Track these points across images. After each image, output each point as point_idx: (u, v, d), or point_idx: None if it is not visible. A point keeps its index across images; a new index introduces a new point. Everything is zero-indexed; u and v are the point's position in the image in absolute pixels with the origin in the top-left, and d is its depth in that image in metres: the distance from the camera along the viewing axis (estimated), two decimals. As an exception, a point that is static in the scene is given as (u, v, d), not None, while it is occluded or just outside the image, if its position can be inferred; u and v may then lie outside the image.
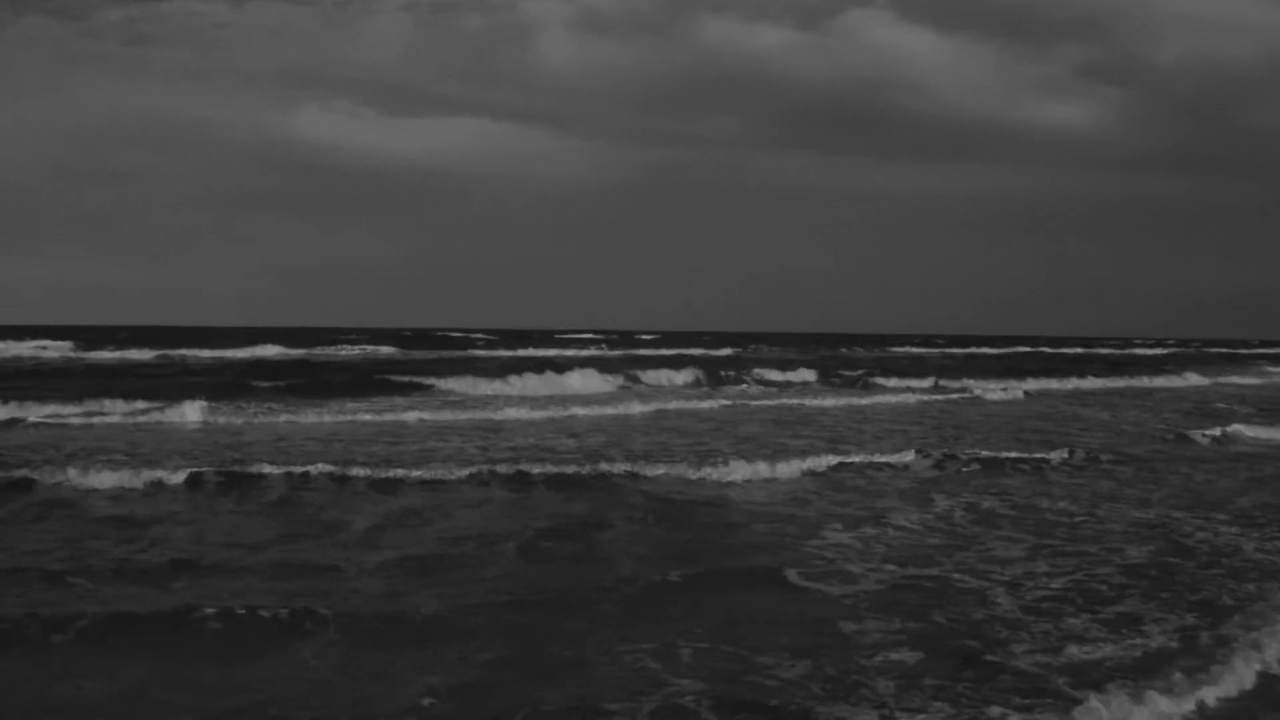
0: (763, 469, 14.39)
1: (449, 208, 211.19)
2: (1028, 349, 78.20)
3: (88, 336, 56.53)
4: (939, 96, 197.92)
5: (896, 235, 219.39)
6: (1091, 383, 39.04)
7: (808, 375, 38.03)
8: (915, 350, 71.60)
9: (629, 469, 14.15)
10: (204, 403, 21.16)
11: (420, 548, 9.79)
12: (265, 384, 28.19)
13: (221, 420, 20.22)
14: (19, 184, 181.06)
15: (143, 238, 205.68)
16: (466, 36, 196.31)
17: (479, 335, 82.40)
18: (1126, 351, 75.43)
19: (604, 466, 14.25)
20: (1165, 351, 76.48)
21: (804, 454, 15.76)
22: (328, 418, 20.83)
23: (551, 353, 53.23)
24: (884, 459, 15.63)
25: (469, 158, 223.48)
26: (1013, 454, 16.43)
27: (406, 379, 30.04)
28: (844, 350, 68.75)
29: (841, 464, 15.06)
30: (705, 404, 26.11)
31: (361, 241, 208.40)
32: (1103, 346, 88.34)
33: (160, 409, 20.91)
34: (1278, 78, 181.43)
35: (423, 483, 13.10)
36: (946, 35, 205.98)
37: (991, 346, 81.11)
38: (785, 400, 27.86)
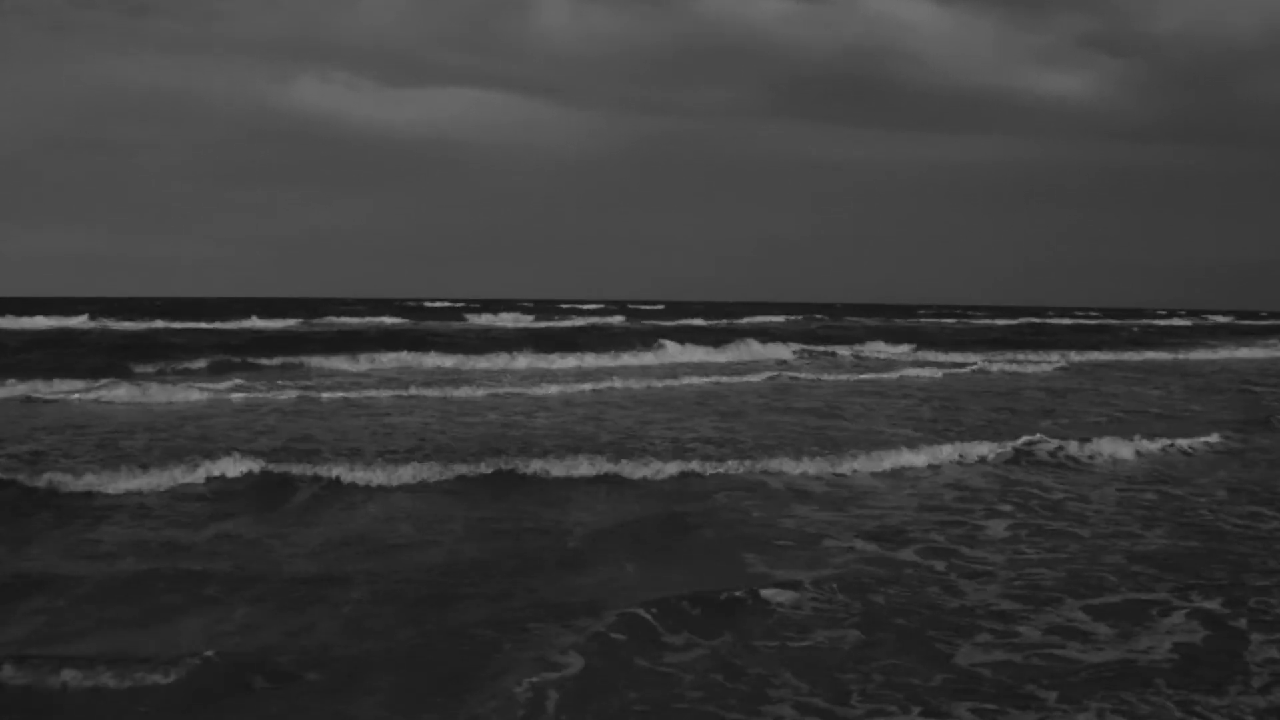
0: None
1: (447, 177, 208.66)
2: (1035, 319, 75.98)
3: (75, 310, 54.19)
4: (939, 67, 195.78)
5: (895, 206, 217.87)
6: (1146, 356, 36.55)
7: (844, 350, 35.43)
8: (940, 320, 69.38)
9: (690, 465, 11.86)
10: (179, 380, 19.79)
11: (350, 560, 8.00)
12: (257, 359, 26.03)
13: (194, 397, 18.14)
14: (13, 155, 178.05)
15: (139, 209, 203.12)
16: (464, 5, 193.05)
17: (478, 305, 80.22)
18: (1147, 323, 73.16)
19: (680, 464, 11.85)
20: (1189, 323, 74.27)
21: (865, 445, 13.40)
22: (310, 393, 19.01)
23: (560, 324, 51.05)
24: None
25: (466, 128, 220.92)
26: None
27: (399, 353, 27.43)
28: (874, 321, 66.29)
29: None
30: (753, 379, 23.56)
31: (360, 212, 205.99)
32: (1112, 318, 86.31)
33: (115, 385, 18.96)
34: (1277, 49, 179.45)
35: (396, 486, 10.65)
36: (946, 5, 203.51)
37: (1006, 318, 78.93)
38: (865, 376, 25.15)
